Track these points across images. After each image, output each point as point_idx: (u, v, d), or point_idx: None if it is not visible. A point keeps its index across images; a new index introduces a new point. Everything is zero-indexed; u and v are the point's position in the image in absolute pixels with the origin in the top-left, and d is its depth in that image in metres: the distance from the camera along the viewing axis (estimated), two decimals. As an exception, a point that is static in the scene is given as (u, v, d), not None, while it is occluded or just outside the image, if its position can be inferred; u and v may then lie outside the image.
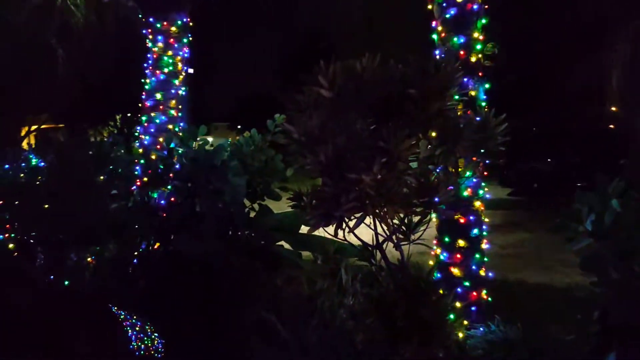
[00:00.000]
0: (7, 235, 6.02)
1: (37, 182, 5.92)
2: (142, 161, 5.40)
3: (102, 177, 5.81)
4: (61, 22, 6.43)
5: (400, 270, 3.39)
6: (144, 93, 5.52)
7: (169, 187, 5.16)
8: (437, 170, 3.18)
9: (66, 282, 5.24)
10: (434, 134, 3.07)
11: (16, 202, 6.02)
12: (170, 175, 4.94)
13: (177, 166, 4.89)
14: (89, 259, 5.47)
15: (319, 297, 3.74)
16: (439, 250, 4.58)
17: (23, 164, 5.91)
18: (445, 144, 3.08)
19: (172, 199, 4.85)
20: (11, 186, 5.96)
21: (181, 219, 4.62)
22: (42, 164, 5.88)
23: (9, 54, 6.99)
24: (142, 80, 5.54)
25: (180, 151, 5.17)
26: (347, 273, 3.96)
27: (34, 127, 18.70)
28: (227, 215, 4.96)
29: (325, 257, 4.01)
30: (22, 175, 5.97)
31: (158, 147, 5.36)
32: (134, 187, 5.16)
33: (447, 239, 4.49)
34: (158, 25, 5.48)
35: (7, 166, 6.01)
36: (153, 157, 5.29)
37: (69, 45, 6.95)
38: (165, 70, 5.46)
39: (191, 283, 4.48)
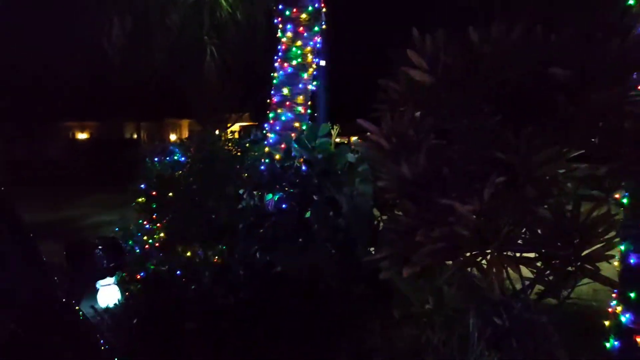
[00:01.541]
0: (158, 225, 6.24)
1: (178, 177, 6.02)
2: (266, 161, 5.04)
3: (236, 176, 5.66)
4: (211, 19, 6.52)
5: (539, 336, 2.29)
6: (272, 88, 5.14)
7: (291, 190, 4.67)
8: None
9: (183, 280, 5.16)
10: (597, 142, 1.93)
11: (162, 194, 6.22)
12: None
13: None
14: (214, 259, 5.32)
15: (426, 353, 2.83)
16: (619, 308, 3.20)
17: (168, 158, 6.07)
18: (618, 157, 1.90)
19: (286, 205, 4.33)
20: (158, 179, 6.17)
21: (287, 229, 4.07)
22: (183, 159, 5.96)
23: (177, 56, 7.44)
24: (271, 75, 5.16)
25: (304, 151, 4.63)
26: (475, 327, 2.93)
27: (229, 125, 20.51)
28: (344, 229, 4.25)
29: (439, 300, 3.06)
30: (168, 169, 6.13)
31: (283, 146, 4.92)
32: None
33: (632, 295, 3.09)
34: (287, 13, 5.02)
35: (156, 159, 6.25)
36: (277, 157, 4.88)
37: (223, 41, 7.07)
38: (294, 62, 4.97)
39: (290, 301, 3.92)
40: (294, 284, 4.06)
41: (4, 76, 17.68)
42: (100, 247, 2.58)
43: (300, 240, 4.13)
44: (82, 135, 36.22)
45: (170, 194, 6.06)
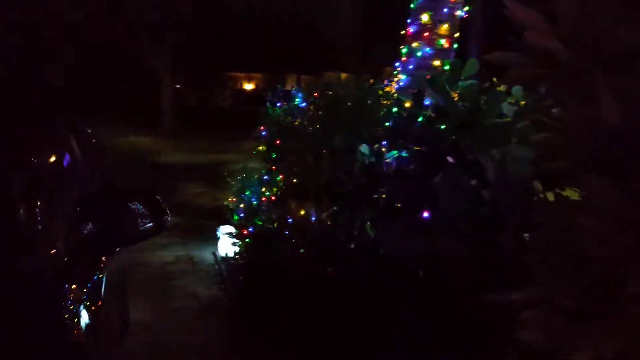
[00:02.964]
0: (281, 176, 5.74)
1: (297, 125, 5.36)
2: (394, 110, 4.01)
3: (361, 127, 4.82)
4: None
5: None
6: (408, 16, 3.97)
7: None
8: None
9: (293, 241, 4.57)
10: None
11: (283, 143, 5.71)
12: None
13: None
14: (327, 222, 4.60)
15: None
16: None
17: (288, 104, 5.44)
18: None
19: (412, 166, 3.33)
20: (277, 126, 5.61)
21: (408, 198, 3.08)
22: (304, 105, 5.26)
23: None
24: (408, -3, 3.99)
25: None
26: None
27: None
28: (488, 203, 3.12)
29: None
30: (288, 116, 5.51)
31: (415, 91, 3.83)
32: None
33: None
34: None
35: (278, 104, 5.67)
36: (407, 105, 3.83)
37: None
38: (438, -22, 3.75)
39: (401, 293, 2.99)
40: (409, 272, 3.10)
41: (183, 32, 19.41)
42: (137, 201, 1.96)
43: (423, 214, 3.12)
44: (248, 86, 38.50)
45: (289, 143, 5.47)
